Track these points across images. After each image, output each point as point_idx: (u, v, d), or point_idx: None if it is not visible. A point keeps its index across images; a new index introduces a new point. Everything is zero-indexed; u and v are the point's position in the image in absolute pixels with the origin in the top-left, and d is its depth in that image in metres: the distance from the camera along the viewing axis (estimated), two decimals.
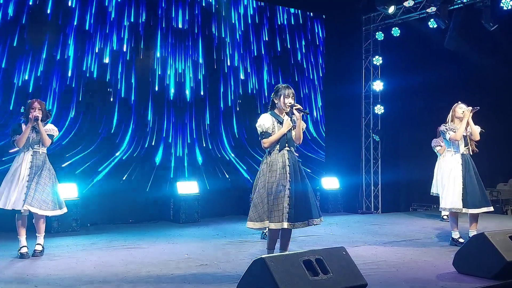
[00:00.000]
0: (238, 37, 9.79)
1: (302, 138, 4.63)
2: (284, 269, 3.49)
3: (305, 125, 4.75)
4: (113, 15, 8.40)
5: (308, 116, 10.32)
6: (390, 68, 10.59)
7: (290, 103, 4.52)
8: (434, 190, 8.15)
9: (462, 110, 6.04)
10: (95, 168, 8.06)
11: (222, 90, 9.52)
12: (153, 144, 8.70)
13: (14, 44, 7.50)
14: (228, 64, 9.65)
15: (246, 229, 6.47)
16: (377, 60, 10.58)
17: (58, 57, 7.86)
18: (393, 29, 10.15)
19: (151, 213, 8.45)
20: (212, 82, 9.42)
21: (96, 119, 8.18)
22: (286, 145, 4.55)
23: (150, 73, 8.75)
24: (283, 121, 4.58)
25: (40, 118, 5.40)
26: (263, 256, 3.62)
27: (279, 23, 10.44)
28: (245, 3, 9.97)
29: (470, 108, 5.97)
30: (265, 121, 4.54)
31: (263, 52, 10.11)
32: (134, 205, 8.33)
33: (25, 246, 5.41)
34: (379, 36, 10.43)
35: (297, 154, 4.80)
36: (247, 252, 5.64)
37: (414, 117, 10.51)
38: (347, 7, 10.27)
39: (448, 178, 6.03)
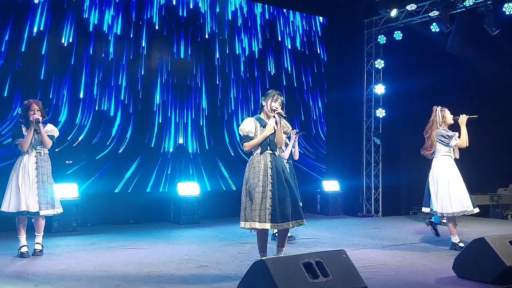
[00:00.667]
0: (239, 39, 9.81)
1: (283, 143, 4.71)
2: (284, 271, 3.50)
3: (289, 128, 4.84)
4: None
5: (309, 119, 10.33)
6: (392, 71, 10.59)
7: (275, 107, 4.62)
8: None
9: (451, 115, 6.29)
10: (95, 168, 8.07)
11: (221, 92, 9.55)
12: (154, 145, 8.71)
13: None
14: (230, 67, 9.67)
15: (246, 231, 6.49)
16: (379, 64, 10.58)
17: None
18: (395, 32, 10.15)
19: (151, 214, 8.46)
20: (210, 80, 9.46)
21: (98, 120, 8.20)
22: (268, 148, 4.61)
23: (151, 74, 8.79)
24: (266, 124, 4.66)
25: (40, 120, 5.42)
26: (263, 258, 3.63)
27: (281, 26, 10.46)
28: (245, 6, 9.98)
29: (466, 115, 6.27)
30: (246, 125, 4.65)
31: (264, 55, 10.12)
32: (135, 205, 8.34)
33: (25, 245, 5.43)
34: (381, 39, 10.44)
35: (286, 160, 4.82)
36: (247, 254, 5.65)
37: (416, 120, 10.45)
38: (349, 10, 10.28)
39: (449, 182, 6.06)
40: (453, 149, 6.22)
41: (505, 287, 4.23)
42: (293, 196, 4.60)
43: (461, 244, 5.92)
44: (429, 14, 9.43)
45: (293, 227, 4.61)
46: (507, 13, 8.59)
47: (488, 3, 8.69)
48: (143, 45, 8.69)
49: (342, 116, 10.71)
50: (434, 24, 9.48)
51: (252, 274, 3.63)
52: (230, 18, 9.72)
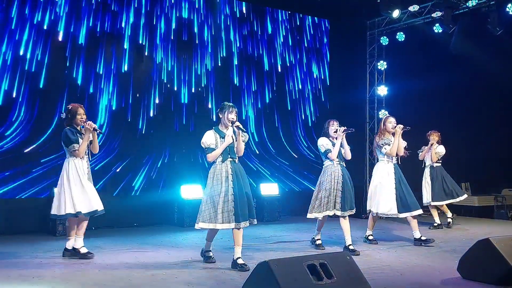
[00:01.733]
0: (240, 41, 9.83)
1: (243, 151, 5.19)
2: (288, 273, 3.50)
3: (247, 137, 5.26)
4: None
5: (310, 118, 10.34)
6: (395, 72, 10.57)
7: (232, 118, 5.08)
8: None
9: (392, 125, 6.54)
10: (100, 172, 8.08)
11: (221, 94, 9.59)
12: (157, 148, 8.72)
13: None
14: (233, 68, 9.70)
15: (251, 233, 6.52)
16: (382, 65, 10.57)
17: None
18: (398, 33, 10.14)
19: (155, 217, 8.46)
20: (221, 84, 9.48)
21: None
22: (229, 156, 5.11)
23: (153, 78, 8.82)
24: (225, 135, 5.13)
25: (97, 129, 5.53)
26: (267, 259, 3.63)
27: (283, 28, 10.48)
28: (249, 8, 10.01)
29: (402, 126, 6.47)
30: (207, 139, 5.13)
31: (266, 57, 10.15)
32: (139, 209, 8.35)
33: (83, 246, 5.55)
34: (384, 40, 10.43)
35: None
36: (252, 256, 5.64)
37: (419, 122, 10.46)
38: (352, 12, 10.28)
39: (378, 185, 6.62)
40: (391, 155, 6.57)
41: None
42: (250, 198, 5.15)
43: (370, 238, 6.65)
44: (432, 15, 9.41)
45: (251, 224, 5.16)
46: (510, 12, 8.57)
47: (491, 3, 8.67)
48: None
49: (345, 118, 10.64)
50: (437, 25, 9.48)
51: (256, 276, 3.63)
52: (229, 19, 9.75)
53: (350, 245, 5.96)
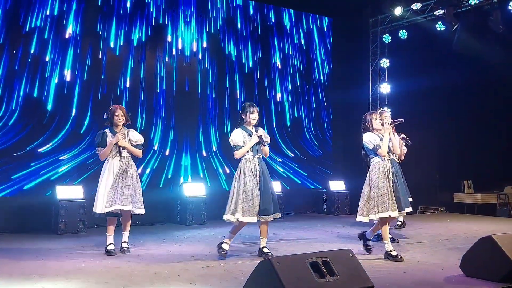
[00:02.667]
0: (244, 39, 9.82)
1: (268, 153, 5.59)
2: (290, 270, 3.49)
3: (269, 138, 5.64)
4: None
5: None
6: (398, 70, 10.55)
7: (255, 118, 5.43)
8: None
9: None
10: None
11: (229, 90, 9.58)
12: (159, 146, 8.72)
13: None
14: (237, 66, 9.70)
15: (253, 231, 6.51)
16: (384, 63, 10.55)
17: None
18: (401, 31, 10.12)
19: (157, 215, 8.45)
20: (220, 82, 9.50)
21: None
22: (257, 153, 5.42)
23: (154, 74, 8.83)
24: (251, 133, 5.43)
25: (124, 127, 5.71)
26: (270, 257, 3.62)
27: (286, 26, 10.47)
28: (253, 5, 10.00)
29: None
30: (236, 137, 5.40)
31: (271, 55, 10.14)
32: None
33: (112, 243, 5.71)
34: (386, 38, 10.40)
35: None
36: (254, 254, 5.63)
37: (422, 119, 10.47)
38: (355, 10, 10.27)
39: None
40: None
41: None
42: (274, 194, 5.45)
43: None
44: (434, 13, 9.40)
45: (273, 219, 5.39)
46: None
47: (493, 1, 8.65)
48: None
49: (348, 116, 10.68)
50: (440, 22, 9.45)
51: (258, 274, 3.62)
52: (233, 18, 9.75)
53: (392, 250, 5.43)
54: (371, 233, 5.82)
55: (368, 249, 5.80)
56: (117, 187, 5.59)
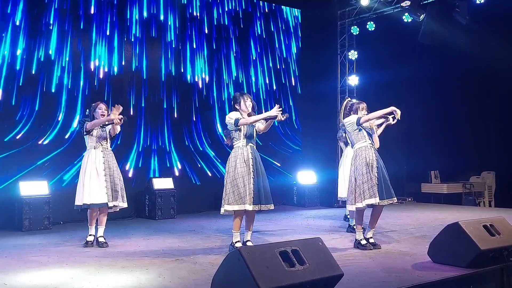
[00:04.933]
0: (210, 31, 9.71)
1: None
2: (260, 260, 3.44)
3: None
4: None
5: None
6: (366, 62, 10.64)
7: (250, 104, 5.29)
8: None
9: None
10: (66, 165, 7.88)
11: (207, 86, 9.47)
12: (126, 139, 8.55)
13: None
14: (202, 58, 9.59)
15: (222, 225, 6.46)
16: (353, 55, 10.61)
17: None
18: (368, 23, 10.20)
19: (125, 210, 8.25)
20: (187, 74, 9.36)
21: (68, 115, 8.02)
22: (251, 141, 5.26)
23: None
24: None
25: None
26: (238, 247, 3.57)
27: (253, 17, 10.40)
28: None
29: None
30: (234, 114, 5.27)
31: (236, 46, 10.05)
32: None
33: (92, 235, 5.74)
34: (354, 30, 10.47)
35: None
36: (223, 247, 5.58)
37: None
38: (323, 1, 10.28)
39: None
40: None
41: (479, 270, 4.27)
42: (267, 184, 5.27)
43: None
44: (401, 4, 9.49)
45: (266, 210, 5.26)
46: (478, 1, 8.70)
47: None
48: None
49: (317, 108, 10.72)
50: (406, 14, 9.55)
51: (228, 264, 3.56)
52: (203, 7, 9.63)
53: (371, 237, 5.49)
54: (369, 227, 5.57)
55: (372, 244, 5.44)
56: (107, 180, 5.62)
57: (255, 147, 5.31)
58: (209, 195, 8.87)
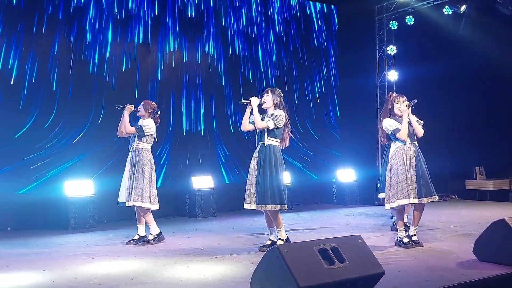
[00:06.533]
0: (250, 28, 9.75)
1: (259, 124, 5.25)
2: (299, 258, 3.43)
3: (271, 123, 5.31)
4: None
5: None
6: (405, 57, 10.41)
7: (263, 101, 5.37)
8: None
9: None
10: (110, 164, 8.06)
11: (241, 80, 9.56)
12: (166, 138, 8.67)
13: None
14: (241, 54, 9.63)
15: (262, 223, 6.46)
16: (391, 50, 10.40)
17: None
18: (407, 17, 9.97)
19: (167, 209, 8.38)
20: (231, 71, 9.50)
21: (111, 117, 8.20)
22: (261, 140, 5.31)
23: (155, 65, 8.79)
24: (263, 117, 5.39)
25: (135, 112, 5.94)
26: (277, 245, 3.57)
27: (292, 14, 10.38)
28: None
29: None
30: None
31: (276, 44, 10.06)
32: None
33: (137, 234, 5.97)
34: (393, 25, 10.26)
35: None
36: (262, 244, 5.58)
37: (431, 106, 10.31)
38: None
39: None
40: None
41: None
42: (271, 183, 5.21)
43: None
44: None
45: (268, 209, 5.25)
46: None
47: None
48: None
49: (356, 104, 10.58)
50: (447, 7, 9.29)
51: (266, 262, 3.56)
52: (241, 8, 9.68)
53: (413, 235, 5.38)
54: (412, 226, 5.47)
55: (415, 242, 5.33)
56: (129, 180, 5.86)
57: (265, 145, 5.26)
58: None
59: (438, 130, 9.28)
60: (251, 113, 5.36)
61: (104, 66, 8.17)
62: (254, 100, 5.33)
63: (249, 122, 5.40)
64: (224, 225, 7.35)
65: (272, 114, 5.26)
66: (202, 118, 9.13)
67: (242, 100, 5.44)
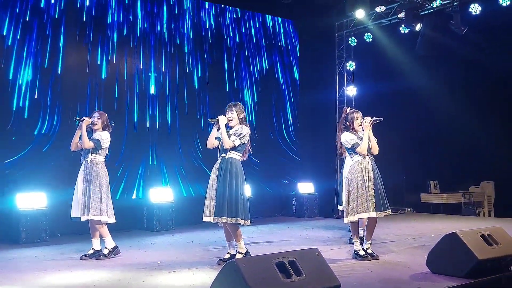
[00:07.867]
0: (208, 44, 9.75)
1: (227, 143, 5.22)
2: (256, 271, 3.42)
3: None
4: None
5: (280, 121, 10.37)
6: (364, 73, 10.67)
7: (228, 117, 5.34)
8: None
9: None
10: (64, 177, 7.84)
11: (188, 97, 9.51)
12: (124, 150, 8.53)
13: None
14: (199, 71, 9.61)
15: (221, 236, 6.40)
16: (350, 66, 10.65)
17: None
18: (366, 34, 10.25)
19: (123, 222, 8.19)
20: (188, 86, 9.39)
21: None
22: (223, 153, 5.29)
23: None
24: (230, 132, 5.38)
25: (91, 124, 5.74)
26: (235, 259, 3.55)
27: (252, 29, 10.45)
28: (217, 9, 9.94)
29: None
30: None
31: (234, 59, 10.09)
32: None
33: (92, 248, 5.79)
34: (352, 41, 10.52)
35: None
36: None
37: (388, 121, 10.49)
38: (320, 13, 10.33)
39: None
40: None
41: (478, 280, 4.24)
42: (233, 196, 5.18)
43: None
44: (398, 16, 9.53)
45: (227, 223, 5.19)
46: (473, 13, 8.75)
47: (455, 3, 8.82)
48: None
49: (315, 118, 10.73)
50: (403, 25, 9.59)
51: (224, 276, 3.54)
52: (200, 21, 9.68)
53: (368, 248, 5.45)
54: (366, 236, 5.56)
55: (370, 255, 5.39)
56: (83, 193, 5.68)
57: (226, 158, 5.23)
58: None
59: (394, 144, 9.52)
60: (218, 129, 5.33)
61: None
62: (222, 119, 5.29)
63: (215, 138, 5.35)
64: (183, 239, 7.26)
65: (237, 132, 5.26)
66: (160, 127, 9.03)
67: (211, 119, 5.41)
